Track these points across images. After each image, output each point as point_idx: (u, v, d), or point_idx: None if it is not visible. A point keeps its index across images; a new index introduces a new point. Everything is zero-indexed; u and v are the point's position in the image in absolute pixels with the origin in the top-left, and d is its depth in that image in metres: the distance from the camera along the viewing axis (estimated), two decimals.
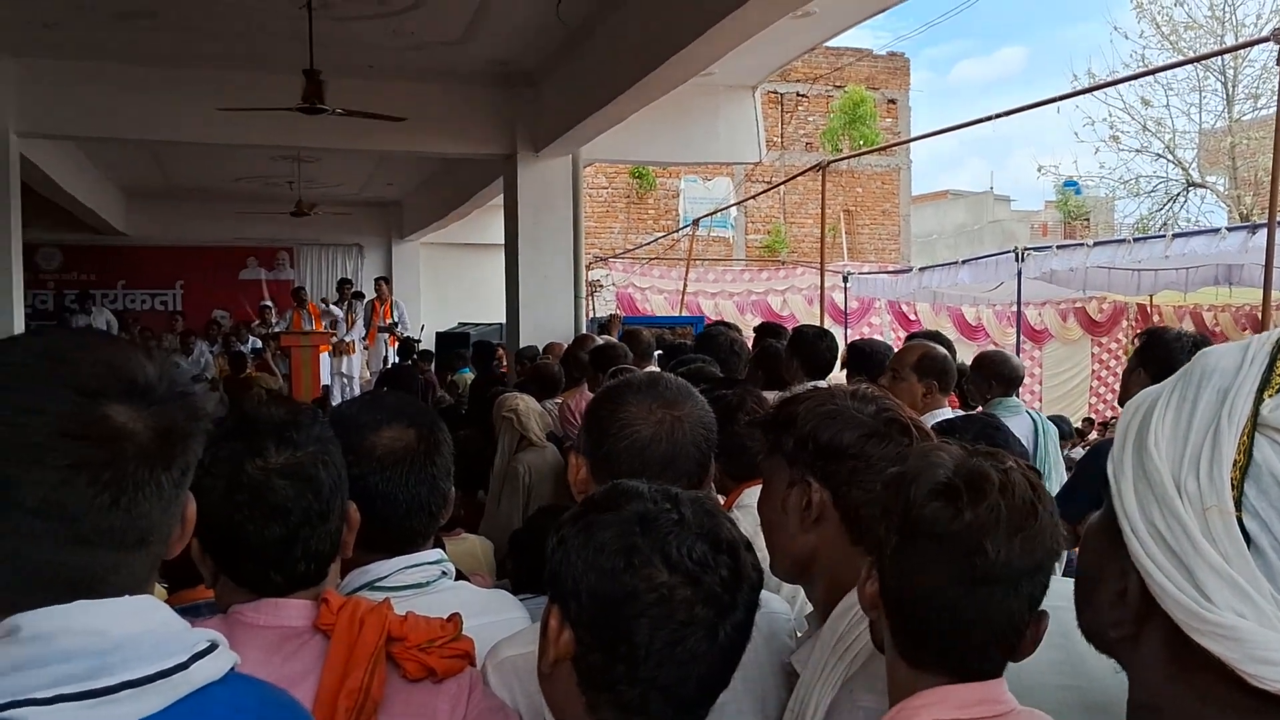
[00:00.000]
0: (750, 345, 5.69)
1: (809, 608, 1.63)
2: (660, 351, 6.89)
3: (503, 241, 10.87)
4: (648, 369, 5.80)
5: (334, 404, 12.69)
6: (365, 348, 14.90)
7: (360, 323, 14.54)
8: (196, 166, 13.90)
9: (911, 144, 21.93)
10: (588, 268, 13.54)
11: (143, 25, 8.10)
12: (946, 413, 3.83)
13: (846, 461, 1.53)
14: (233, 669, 1.04)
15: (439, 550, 1.81)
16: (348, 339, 14.36)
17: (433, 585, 1.74)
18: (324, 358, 14.21)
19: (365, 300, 14.94)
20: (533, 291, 9.92)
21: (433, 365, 12.46)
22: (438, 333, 15.76)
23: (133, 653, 0.97)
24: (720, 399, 2.29)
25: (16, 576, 0.97)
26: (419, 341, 13.19)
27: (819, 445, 1.54)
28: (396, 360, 13.86)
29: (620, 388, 1.84)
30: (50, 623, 0.95)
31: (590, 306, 14.84)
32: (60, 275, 17.08)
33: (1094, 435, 12.09)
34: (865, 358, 4.52)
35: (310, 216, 14.07)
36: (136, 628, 0.99)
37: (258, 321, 16.65)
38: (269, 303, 17.13)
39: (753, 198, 18.82)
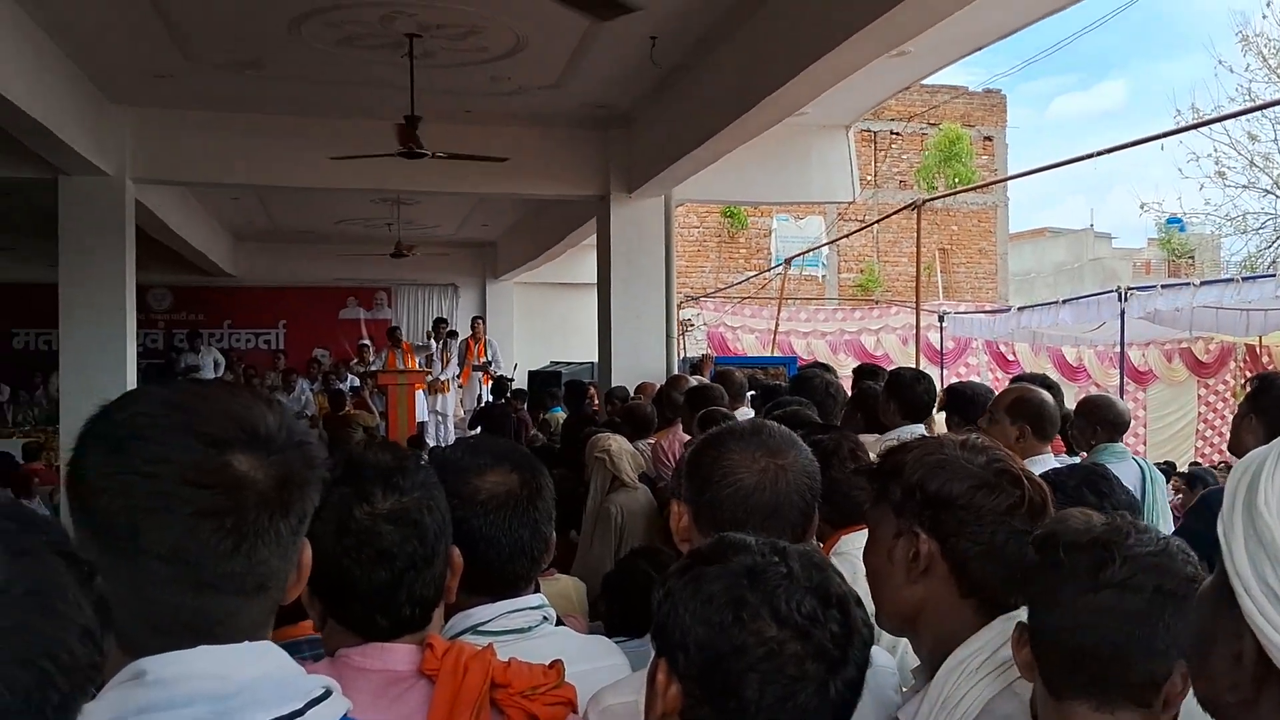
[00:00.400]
0: (847, 387, 5.61)
1: (913, 660, 1.59)
2: (754, 393, 6.84)
3: (595, 281, 10.98)
4: (743, 412, 5.82)
5: (429, 441, 13.20)
6: (459, 386, 15.13)
7: (455, 361, 14.80)
8: (301, 210, 14.38)
9: (1009, 181, 21.55)
10: (679, 307, 13.55)
11: (250, 75, 8.44)
12: (1049, 460, 3.72)
13: (955, 512, 1.51)
14: (345, 716, 1.05)
15: (540, 595, 1.82)
16: (442, 377, 14.63)
17: (534, 630, 1.76)
18: (419, 395, 14.52)
19: (460, 339, 15.21)
20: (625, 331, 9.98)
21: (525, 404, 12.62)
22: (530, 371, 15.94)
23: (253, 697, 1.00)
24: (818, 444, 2.27)
25: (142, 620, 1.00)
26: (512, 380, 13.36)
27: (927, 495, 1.52)
28: (490, 398, 14.10)
29: (723, 435, 1.83)
30: (175, 667, 0.98)
31: (682, 346, 14.84)
32: (170, 315, 17.76)
33: (1177, 484, 11.35)
34: (966, 401, 4.41)
35: (408, 257, 14.44)
36: (256, 672, 1.02)
37: (356, 360, 17.05)
38: (367, 341, 17.56)
39: (846, 236, 18.68)
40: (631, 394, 8.35)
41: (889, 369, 5.23)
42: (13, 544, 0.77)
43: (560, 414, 11.26)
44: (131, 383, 9.23)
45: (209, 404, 1.07)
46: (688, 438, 5.36)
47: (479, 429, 12.47)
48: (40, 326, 16.39)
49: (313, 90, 8.94)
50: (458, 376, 14.79)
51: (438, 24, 7.33)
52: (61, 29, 7.41)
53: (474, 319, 15.32)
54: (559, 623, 1.84)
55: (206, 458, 1.03)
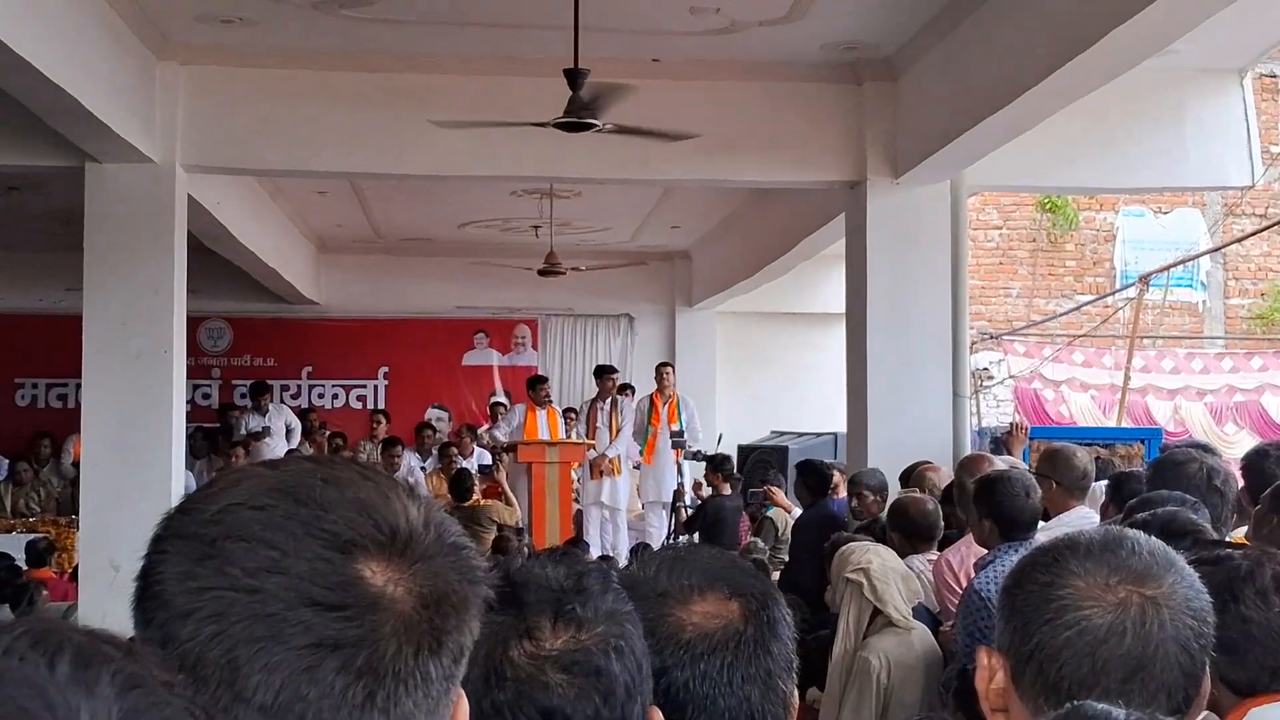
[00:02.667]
0: (1242, 475, 5.41)
1: None
2: (1105, 482, 6.69)
3: (842, 311, 10.98)
4: (1081, 515, 5.68)
5: (591, 546, 13.45)
6: (636, 466, 15.42)
7: (628, 430, 15.13)
8: (412, 209, 15.02)
9: None
10: (972, 349, 13.39)
11: (348, 16, 8.88)
12: None
13: None
14: None
15: None
16: (610, 453, 14.97)
17: None
18: (578, 477, 14.85)
19: (637, 397, 15.53)
20: (888, 385, 9.94)
21: (741, 495, 12.69)
22: (741, 447, 16.08)
23: None
24: (1216, 564, 2.20)
25: None
26: (726, 461, 13.48)
27: None
28: (680, 484, 14.30)
29: (1059, 550, 1.82)
30: None
31: (976, 409, 14.62)
32: (228, 358, 18.76)
33: None
34: None
35: (563, 276, 14.87)
36: None
37: (488, 425, 17.56)
38: (503, 399, 18.07)
39: (1239, 241, 18.03)
40: (901, 483, 8.29)
41: None
42: (121, 675, 0.83)
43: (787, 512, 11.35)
44: (179, 454, 9.76)
45: (332, 490, 1.13)
46: (985, 552, 5.31)
47: (688, 534, 12.82)
48: (52, 375, 17.53)
49: (434, 35, 9.35)
50: (640, 452, 15.07)
51: None
52: None
53: (659, 367, 15.56)
54: None
55: (331, 566, 1.09)
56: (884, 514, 7.49)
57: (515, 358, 19.18)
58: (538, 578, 1.64)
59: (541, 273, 14.72)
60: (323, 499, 1.13)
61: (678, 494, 14.20)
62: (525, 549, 11.18)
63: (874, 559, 5.25)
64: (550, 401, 15.54)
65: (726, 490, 12.78)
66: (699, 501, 13.35)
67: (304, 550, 1.09)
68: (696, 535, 12.87)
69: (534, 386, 15.66)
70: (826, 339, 16.87)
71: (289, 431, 16.93)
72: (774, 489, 11.54)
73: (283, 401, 17.98)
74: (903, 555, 6.18)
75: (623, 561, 12.32)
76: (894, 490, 8.38)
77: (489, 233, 16.06)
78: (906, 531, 6.40)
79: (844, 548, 5.48)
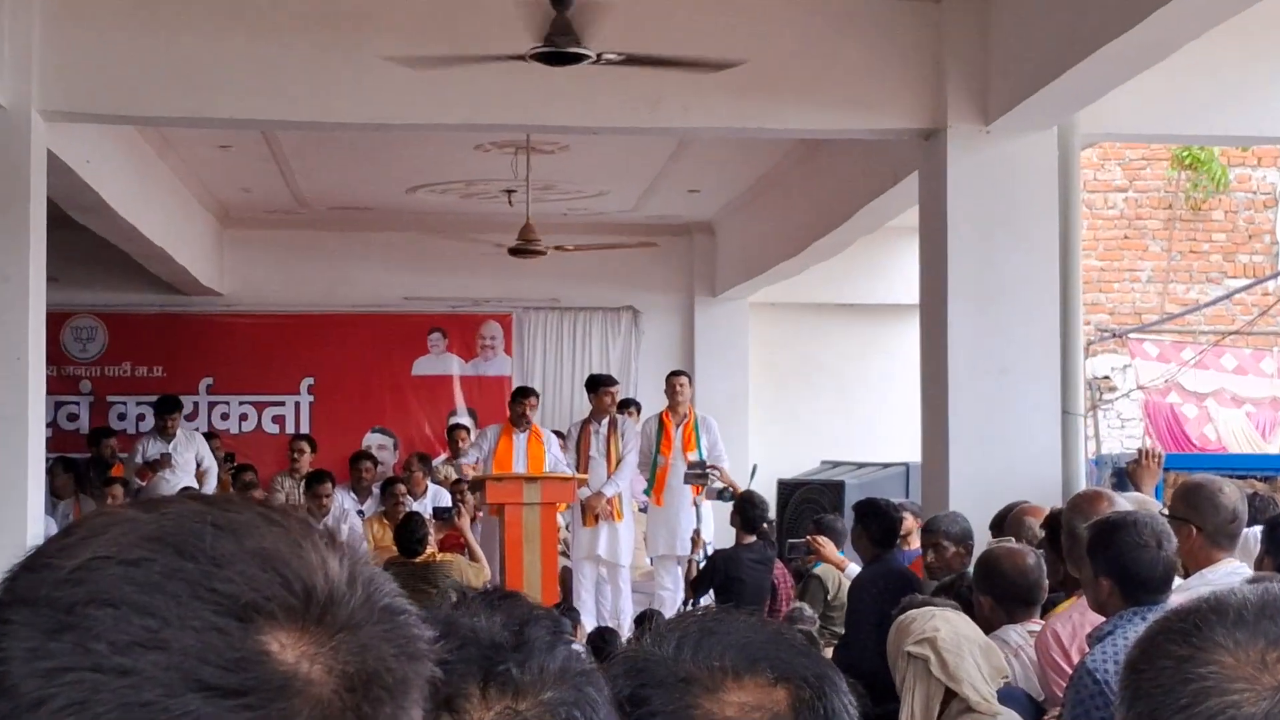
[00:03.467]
0: None
1: None
2: (1260, 528, 6.67)
3: (914, 301, 11.04)
4: (1229, 569, 5.63)
5: (583, 614, 13.37)
6: (642, 509, 15.36)
7: (631, 460, 15.11)
8: (346, 169, 15.07)
9: None
10: (1088, 352, 13.38)
11: None
12: None
13: None
14: None
15: None
16: (608, 492, 14.93)
17: None
18: (565, 522, 14.87)
19: (642, 419, 15.58)
20: (977, 400, 9.96)
21: (774, 545, 12.66)
22: (783, 483, 16.06)
23: None
24: None
25: None
26: (749, 504, 13.43)
27: None
28: (697, 532, 14.25)
29: (1201, 615, 1.81)
30: None
31: (1093, 430, 14.60)
32: (102, 367, 18.78)
33: None
34: None
35: (544, 256, 14.88)
36: None
37: (446, 455, 17.53)
38: (466, 420, 18.08)
39: None
40: (993, 531, 8.31)
41: None
42: None
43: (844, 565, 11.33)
44: (37, 495, 9.73)
45: (227, 540, 1.13)
46: (1103, 620, 5.30)
47: (705, 591, 12.75)
48: None
49: None
50: (647, 491, 15.07)
51: None
52: None
53: (671, 378, 15.56)
54: None
55: (227, 639, 1.09)
56: (969, 570, 7.49)
57: (482, 365, 19.23)
58: (463, 629, 1.65)
59: (516, 252, 14.75)
60: (215, 551, 1.13)
61: (694, 544, 14.16)
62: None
63: (941, 626, 5.26)
64: (530, 423, 15.40)
65: (748, 540, 12.79)
66: (720, 556, 13.30)
67: (191, 618, 1.09)
68: (702, 601, 12.89)
69: (518, 400, 15.50)
70: (895, 340, 16.94)
71: (200, 471, 16.84)
72: (819, 539, 11.50)
73: (190, 427, 17.97)
74: (994, 626, 6.18)
75: (626, 633, 12.32)
76: (983, 540, 8.39)
77: (446, 200, 16.12)
78: (999, 594, 6.38)
79: (903, 615, 5.46)
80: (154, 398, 17.69)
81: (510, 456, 15.01)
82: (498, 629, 1.66)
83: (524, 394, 15.74)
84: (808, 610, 11.08)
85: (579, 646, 1.72)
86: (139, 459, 16.61)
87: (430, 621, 1.65)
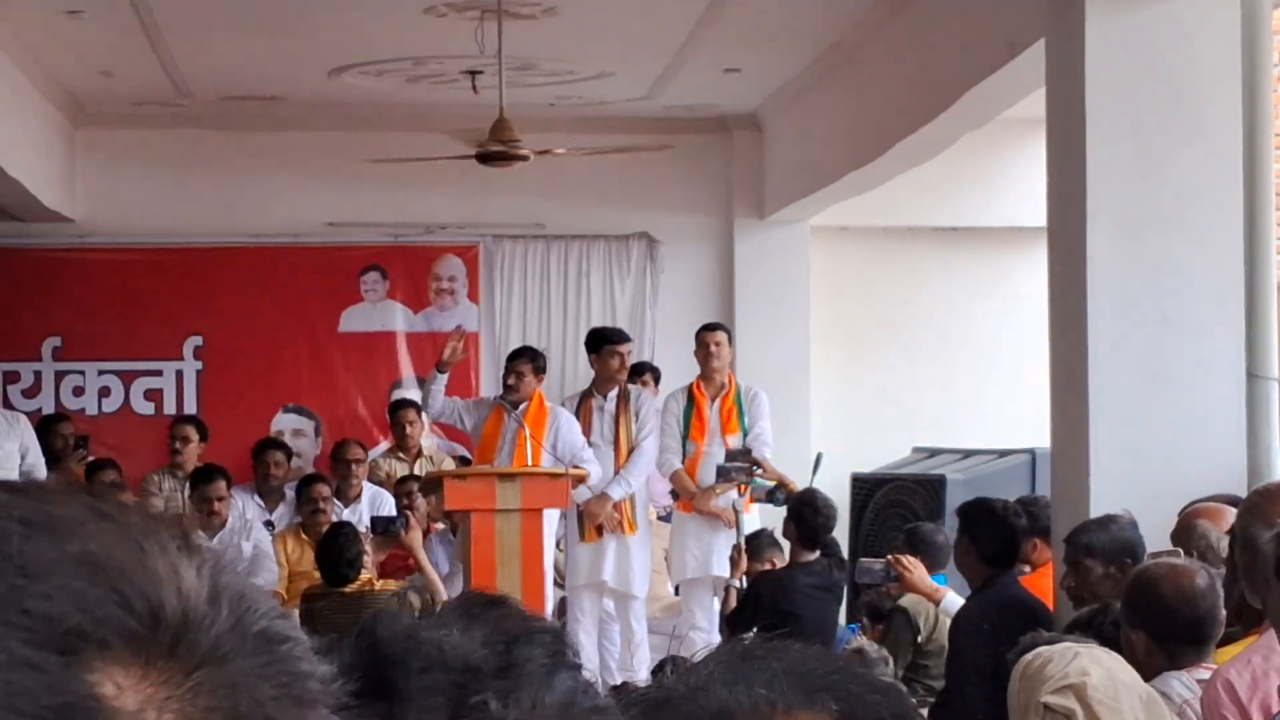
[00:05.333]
0: None
1: None
2: None
3: (1041, 224, 11.08)
4: None
5: (578, 659, 13.17)
6: (664, 516, 15.38)
7: (648, 449, 15.29)
8: (246, 43, 15.07)
9: None
10: None
11: None
12: None
13: None
14: None
15: None
16: (615, 494, 15.12)
17: None
18: (553, 534, 14.89)
19: (664, 392, 15.80)
20: (1128, 362, 9.99)
21: (838, 566, 12.74)
22: (858, 478, 16.06)
23: None
24: None
25: None
26: (807, 508, 13.42)
27: None
28: (739, 548, 14.19)
29: None
30: None
31: None
32: None
33: None
34: None
35: (525, 163, 14.87)
36: None
37: (387, 444, 17.66)
38: (414, 394, 18.03)
39: None
40: (1151, 554, 8.29)
41: None
42: None
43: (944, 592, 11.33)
44: None
45: (43, 543, 1.12)
46: None
47: (746, 630, 12.57)
48: None
49: None
50: (672, 491, 15.13)
51: None
52: None
53: (704, 334, 15.66)
54: None
55: (43, 678, 1.07)
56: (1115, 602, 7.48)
57: (437, 316, 19.19)
58: (428, 647, 1.68)
59: (485, 159, 14.74)
60: (26, 558, 1.11)
61: (735, 565, 14.07)
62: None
63: (1091, 668, 5.24)
64: (526, 400, 15.17)
65: (807, 558, 12.79)
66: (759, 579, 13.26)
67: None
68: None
69: (533, 360, 15.44)
70: (1014, 278, 16.91)
71: (27, 469, 16.77)
72: (904, 560, 11.43)
73: (10, 404, 17.95)
74: (1152, 671, 6.17)
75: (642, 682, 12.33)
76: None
77: (386, 86, 16.16)
78: (1157, 630, 6.38)
79: (1032, 654, 5.44)
80: None
81: (494, 445, 15.02)
82: (476, 648, 1.68)
83: (513, 359, 15.70)
84: (878, 650, 11.05)
85: (590, 673, 1.73)
86: None
87: (377, 636, 1.67)
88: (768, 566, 13.25)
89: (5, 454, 16.40)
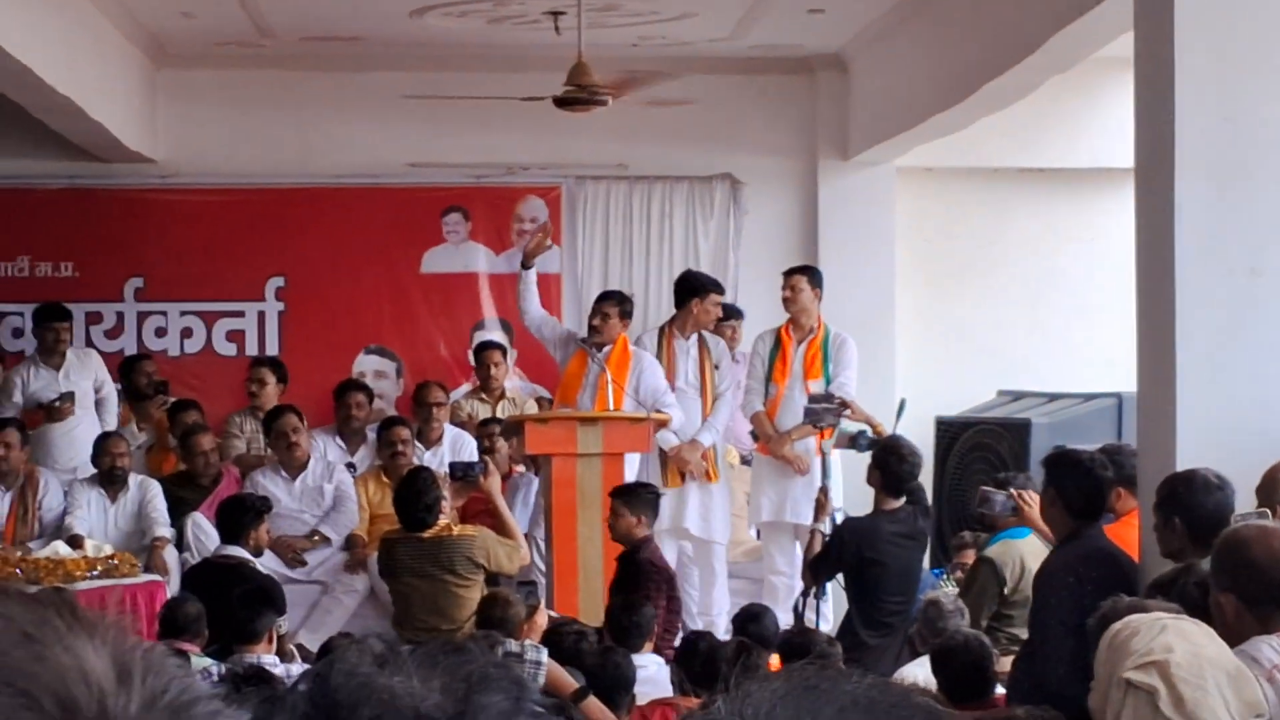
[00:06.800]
0: None
1: None
2: None
3: (1129, 165, 11.03)
4: None
5: (655, 610, 13.34)
6: (745, 460, 15.37)
7: (729, 397, 15.40)
8: None
9: None
10: None
11: None
12: None
13: None
14: None
15: None
16: (704, 440, 15.21)
17: None
18: (633, 477, 14.83)
19: (750, 336, 15.83)
20: (1215, 308, 9.92)
21: (930, 514, 12.65)
22: (942, 422, 16.05)
23: None
24: None
25: None
26: (893, 453, 13.36)
27: None
28: (825, 491, 14.17)
29: None
30: None
31: None
32: None
33: None
34: None
35: (604, 107, 14.91)
36: None
37: (470, 385, 17.77)
38: (498, 336, 18.28)
39: None
40: (1259, 498, 8.27)
41: None
42: None
43: (1025, 541, 11.32)
44: None
45: None
46: None
47: (830, 576, 12.64)
48: None
49: None
50: (754, 433, 15.10)
51: None
52: None
53: (791, 276, 15.69)
54: None
55: None
56: (1200, 562, 7.42)
57: (519, 257, 18.93)
58: (380, 694, 1.63)
59: (563, 103, 14.77)
60: None
61: (819, 510, 14.05)
62: (525, 619, 11.22)
63: (1176, 644, 5.15)
64: (609, 344, 15.24)
65: (892, 505, 12.77)
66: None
67: None
68: (829, 591, 12.85)
69: (620, 303, 15.60)
70: (1102, 220, 16.87)
71: (99, 400, 17.06)
72: (1026, 495, 11.38)
73: (92, 344, 18.12)
74: (1239, 636, 6.10)
75: (721, 636, 12.35)
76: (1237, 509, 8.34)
77: (467, 27, 16.14)
78: (1247, 592, 6.31)
79: (1120, 624, 5.35)
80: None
81: (576, 388, 15.06)
82: (433, 695, 1.63)
83: (600, 301, 15.84)
84: (947, 601, 11.01)
85: None
86: (18, 396, 16.79)
87: (326, 682, 1.63)
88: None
89: (82, 392, 16.58)
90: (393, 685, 1.63)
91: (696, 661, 10.18)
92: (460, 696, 1.62)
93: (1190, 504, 8.59)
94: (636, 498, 12.94)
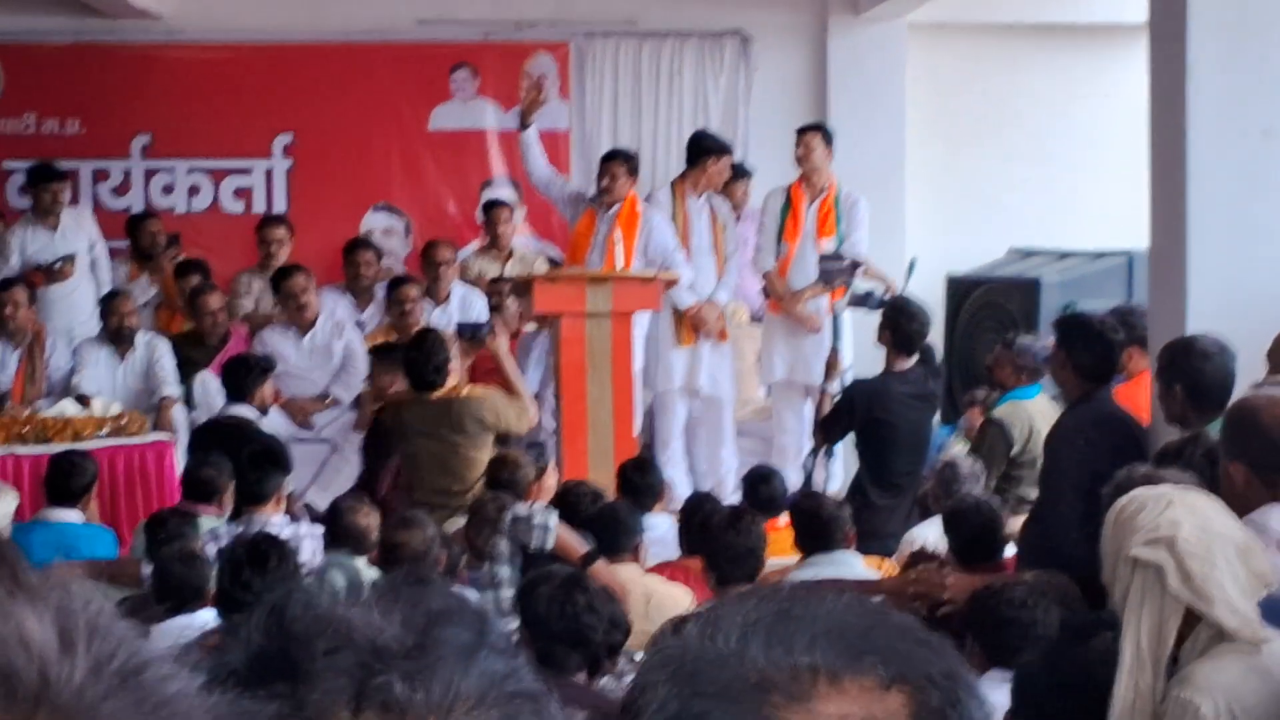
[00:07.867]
0: None
1: None
2: None
3: (1142, 20, 11.01)
4: None
5: (660, 469, 13.40)
6: (755, 318, 15.67)
7: (742, 253, 15.52)
8: None
9: None
10: None
11: None
12: None
13: None
14: None
15: None
16: (723, 298, 15.28)
17: None
18: (642, 336, 14.97)
19: (761, 194, 15.73)
20: (1227, 168, 9.94)
21: (940, 374, 12.68)
22: (954, 279, 16.06)
23: None
24: None
25: None
26: (903, 313, 13.37)
27: None
28: (835, 352, 14.19)
29: None
30: None
31: None
32: None
33: None
34: None
35: None
36: None
37: (479, 242, 17.80)
38: (506, 193, 18.24)
39: None
40: (1270, 362, 8.32)
41: None
42: None
43: (1038, 400, 11.31)
44: None
45: None
46: None
47: (840, 436, 12.71)
48: None
49: None
50: (764, 291, 15.08)
51: None
52: None
53: (804, 134, 15.64)
54: None
55: None
56: (1207, 430, 7.42)
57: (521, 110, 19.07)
58: (336, 626, 1.63)
59: None
60: None
61: (830, 370, 14.07)
62: (534, 480, 11.27)
63: (1184, 518, 5.12)
64: (618, 202, 15.34)
65: (903, 366, 12.76)
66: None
67: None
68: (838, 450, 12.88)
69: (628, 161, 15.59)
70: (1115, 76, 16.84)
71: (93, 260, 17.07)
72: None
73: (99, 201, 18.17)
74: (1249, 505, 6.11)
75: (729, 496, 12.37)
76: (1243, 375, 8.38)
77: None
78: (1258, 462, 6.31)
79: (1126, 499, 5.33)
80: (69, 164, 17.82)
81: (585, 247, 15.06)
82: (392, 627, 1.62)
83: (607, 160, 15.83)
84: (969, 465, 11.03)
85: (521, 662, 1.67)
86: (15, 258, 16.74)
87: (283, 614, 1.64)
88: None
89: (79, 252, 16.56)
90: (350, 617, 1.64)
91: (695, 523, 10.24)
92: (420, 629, 1.62)
93: (1189, 370, 8.64)
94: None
